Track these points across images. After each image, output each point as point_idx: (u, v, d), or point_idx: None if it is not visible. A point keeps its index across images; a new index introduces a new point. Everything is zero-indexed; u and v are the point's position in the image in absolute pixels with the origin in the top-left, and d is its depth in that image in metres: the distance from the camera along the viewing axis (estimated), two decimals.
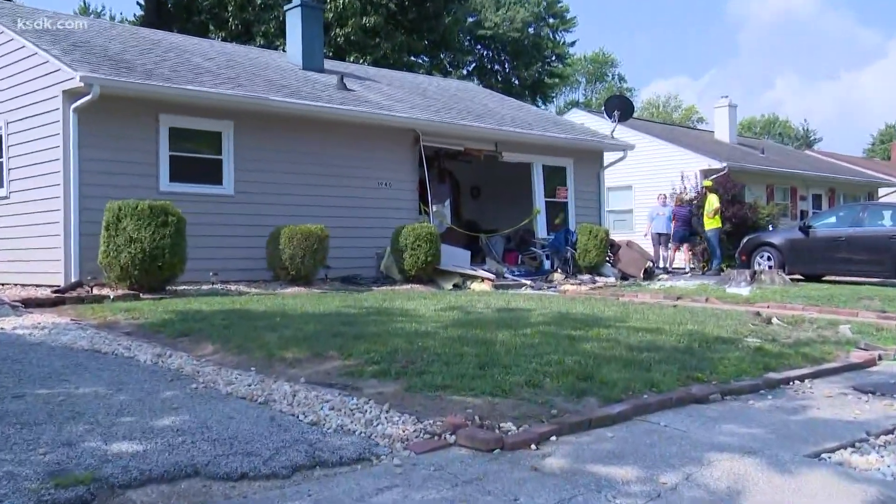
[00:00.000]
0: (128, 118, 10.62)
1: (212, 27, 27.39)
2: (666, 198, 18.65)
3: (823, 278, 14.42)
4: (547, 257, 15.30)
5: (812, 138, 59.89)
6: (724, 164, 20.88)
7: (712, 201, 17.10)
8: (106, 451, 3.34)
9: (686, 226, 17.57)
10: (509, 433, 3.73)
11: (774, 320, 7.95)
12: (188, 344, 5.99)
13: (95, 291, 9.16)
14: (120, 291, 9.06)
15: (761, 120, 64.52)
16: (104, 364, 5.28)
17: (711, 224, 17.08)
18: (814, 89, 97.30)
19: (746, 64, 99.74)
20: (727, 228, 18.11)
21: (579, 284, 13.15)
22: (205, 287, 10.40)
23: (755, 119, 64.45)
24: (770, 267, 14.53)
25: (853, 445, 3.84)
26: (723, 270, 16.72)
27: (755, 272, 13.30)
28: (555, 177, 16.46)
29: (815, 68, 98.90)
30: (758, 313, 8.38)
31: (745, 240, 15.87)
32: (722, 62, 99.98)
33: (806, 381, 5.34)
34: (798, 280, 14.09)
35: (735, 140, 27.05)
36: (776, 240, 15.01)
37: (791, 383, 5.25)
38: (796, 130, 61.70)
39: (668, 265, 17.73)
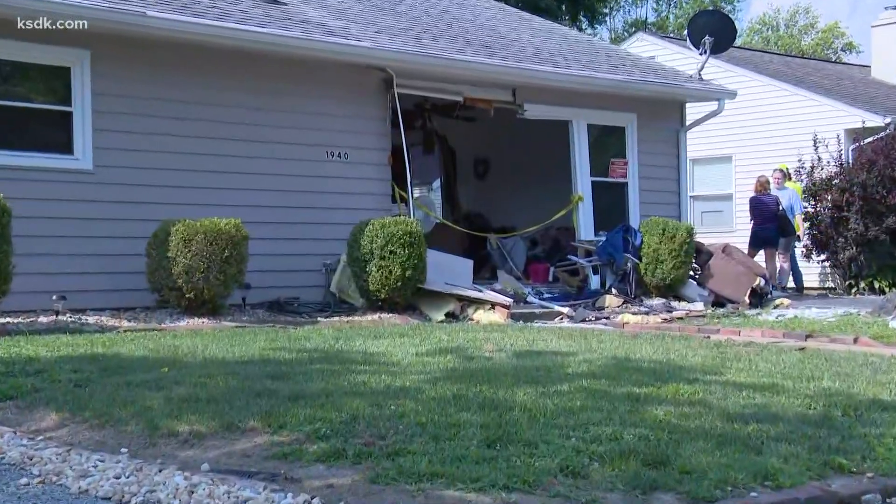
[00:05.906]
0: None
1: None
2: (783, 176, 18.69)
3: None
4: (595, 270, 15.33)
5: None
6: (888, 120, 20.87)
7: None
8: None
9: (770, 222, 17.63)
10: None
11: None
12: (15, 413, 5.96)
13: None
14: None
15: None
16: None
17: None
18: None
19: None
20: (892, 224, 18.20)
21: (646, 313, 13.21)
22: (44, 319, 10.35)
23: None
24: None
25: None
26: (802, 290, 16.91)
27: None
28: (607, 143, 16.54)
29: None
30: None
31: None
32: None
33: None
34: None
35: None
36: None
37: None
38: None
39: (784, 282, 17.83)
